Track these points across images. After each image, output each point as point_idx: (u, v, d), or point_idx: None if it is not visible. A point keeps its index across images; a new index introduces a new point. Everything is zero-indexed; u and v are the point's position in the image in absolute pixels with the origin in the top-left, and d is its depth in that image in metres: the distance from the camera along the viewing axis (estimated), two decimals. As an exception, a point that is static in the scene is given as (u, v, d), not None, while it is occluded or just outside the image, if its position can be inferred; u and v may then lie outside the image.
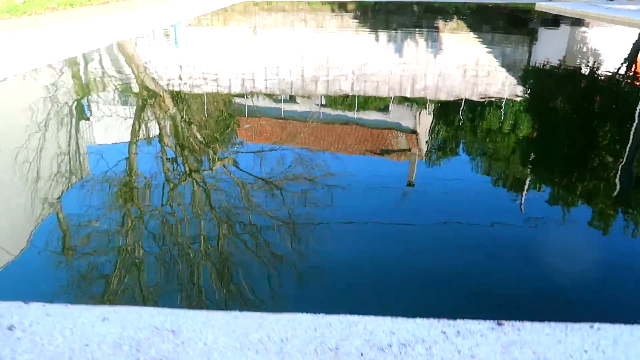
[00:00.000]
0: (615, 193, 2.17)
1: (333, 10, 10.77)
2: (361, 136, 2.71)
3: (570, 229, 1.84)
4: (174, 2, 9.76)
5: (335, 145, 2.57)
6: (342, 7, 11.20)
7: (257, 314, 1.20)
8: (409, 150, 2.57)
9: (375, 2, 11.83)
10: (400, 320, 1.18)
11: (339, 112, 3.16)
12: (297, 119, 2.99)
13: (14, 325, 1.11)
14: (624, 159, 2.43)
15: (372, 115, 3.10)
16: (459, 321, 1.18)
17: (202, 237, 1.73)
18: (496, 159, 2.48)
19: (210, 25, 7.86)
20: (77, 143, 2.61)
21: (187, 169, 2.31)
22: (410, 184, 2.11)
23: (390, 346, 1.10)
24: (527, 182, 2.21)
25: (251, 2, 11.94)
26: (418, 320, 1.18)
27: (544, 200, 2.03)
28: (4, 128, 2.97)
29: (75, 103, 3.40)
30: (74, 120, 3.01)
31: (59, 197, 2.03)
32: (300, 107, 3.25)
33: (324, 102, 3.36)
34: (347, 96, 3.49)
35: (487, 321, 1.18)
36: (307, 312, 1.20)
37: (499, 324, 1.17)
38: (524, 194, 2.06)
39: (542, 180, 2.26)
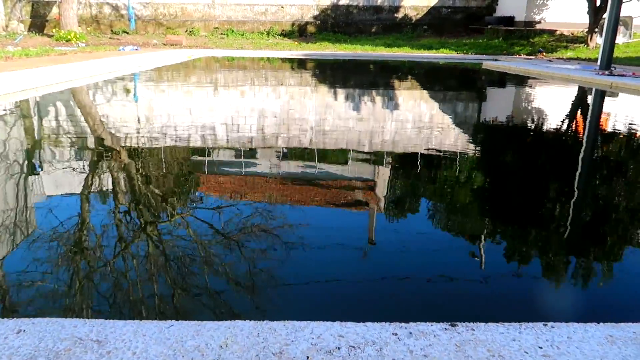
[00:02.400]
0: (565, 238, 2.21)
1: (292, 68, 11.09)
2: (320, 189, 2.69)
3: (527, 280, 1.81)
4: (135, 55, 9.80)
5: (294, 198, 2.53)
6: (302, 65, 11.55)
7: (193, 322, 1.10)
8: (368, 203, 2.56)
9: (334, 61, 12.28)
10: (350, 324, 1.11)
11: (300, 166, 3.14)
12: (257, 174, 2.95)
13: None
14: (571, 208, 2.50)
15: (331, 169, 3.11)
16: (411, 324, 1.12)
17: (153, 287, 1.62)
18: (452, 211, 2.50)
19: (170, 80, 7.89)
20: (25, 196, 2.45)
21: (142, 223, 2.18)
22: (370, 240, 2.05)
23: (339, 348, 1.02)
24: (484, 233, 2.20)
25: (212, 58, 12.16)
26: (368, 323, 1.12)
27: (500, 251, 2.01)
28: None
29: (25, 153, 3.25)
30: (23, 171, 2.85)
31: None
32: (260, 161, 3.22)
33: (284, 156, 3.35)
34: (306, 150, 3.50)
35: (440, 323, 1.12)
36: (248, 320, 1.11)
37: (453, 325, 1.11)
38: (481, 245, 2.04)
39: (497, 231, 2.26)
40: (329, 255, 1.79)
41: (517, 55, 12.71)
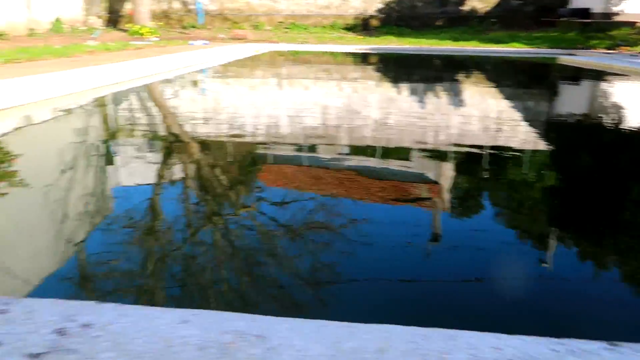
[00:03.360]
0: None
1: (356, 62, 11.04)
2: (383, 185, 2.66)
3: (603, 282, 1.72)
4: (207, 50, 10.08)
5: (358, 193, 2.52)
6: (366, 59, 11.48)
7: (346, 323, 1.11)
8: (432, 200, 2.51)
9: (398, 55, 12.12)
10: (502, 336, 1.08)
11: (362, 161, 3.12)
12: (320, 166, 2.96)
13: (90, 324, 1.03)
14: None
15: (394, 165, 3.07)
16: (565, 339, 1.08)
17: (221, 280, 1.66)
18: (519, 211, 2.41)
19: (236, 74, 8.07)
20: (102, 184, 2.59)
21: (209, 212, 2.25)
22: (435, 237, 2.01)
23: (501, 361, 0.99)
24: (553, 236, 2.10)
25: (276, 52, 12.32)
26: (522, 337, 1.08)
27: (571, 255, 1.92)
28: (37, 164, 2.98)
29: (103, 144, 3.42)
30: (100, 161, 3.01)
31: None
32: (323, 154, 3.23)
33: (346, 150, 3.34)
34: (369, 146, 3.47)
35: (599, 341, 1.08)
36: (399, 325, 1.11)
37: (613, 344, 1.06)
38: (550, 249, 1.96)
39: (568, 234, 2.15)
40: (396, 254, 1.77)
41: (594, 50, 12.03)
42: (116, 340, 0.99)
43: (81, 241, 1.85)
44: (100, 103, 4.80)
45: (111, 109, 4.62)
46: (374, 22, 16.90)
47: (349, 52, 12.45)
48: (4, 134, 3.41)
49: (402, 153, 3.36)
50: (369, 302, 1.49)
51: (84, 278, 1.58)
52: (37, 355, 0.92)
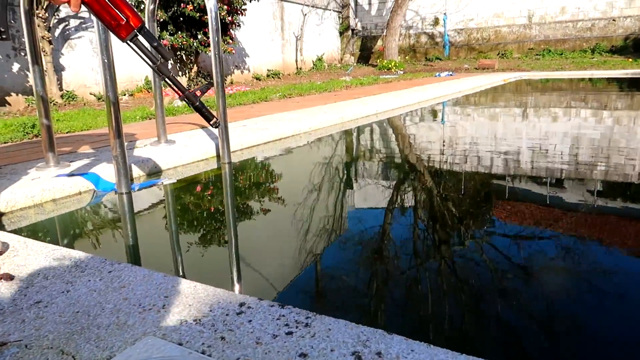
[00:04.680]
0: None
1: (621, 88, 9.57)
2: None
3: None
4: (453, 81, 10.17)
5: (609, 239, 2.10)
6: (636, 85, 9.84)
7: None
8: None
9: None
10: None
11: (620, 202, 2.61)
12: (564, 207, 2.59)
13: (381, 352, 1.05)
14: None
15: None
16: None
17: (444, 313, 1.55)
18: None
19: (477, 103, 7.86)
20: (346, 207, 2.78)
21: (437, 241, 2.19)
22: None
23: None
24: None
25: (524, 81, 11.58)
26: None
27: None
28: (289, 182, 3.40)
29: (345, 167, 3.72)
30: (341, 183, 3.26)
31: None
32: (568, 194, 2.82)
33: (599, 189, 2.85)
34: (632, 186, 2.88)
35: None
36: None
37: None
38: None
39: None
40: None
41: None
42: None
43: (318, 254, 2.05)
44: (349, 133, 5.29)
45: (354, 138, 5.04)
46: (651, 42, 14.41)
47: (614, 78, 10.87)
48: (275, 156, 4.05)
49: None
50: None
51: (318, 291, 1.74)
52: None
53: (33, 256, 1.65)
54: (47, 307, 1.28)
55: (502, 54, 16.60)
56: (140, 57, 1.66)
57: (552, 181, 3.15)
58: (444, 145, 4.44)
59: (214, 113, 2.61)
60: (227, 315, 1.20)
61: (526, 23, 16.44)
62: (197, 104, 1.88)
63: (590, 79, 11.11)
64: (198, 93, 1.86)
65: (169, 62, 1.81)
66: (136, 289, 1.37)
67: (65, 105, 7.82)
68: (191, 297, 1.30)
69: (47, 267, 1.55)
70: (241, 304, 1.25)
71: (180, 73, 10.60)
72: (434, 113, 6.97)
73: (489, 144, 4.38)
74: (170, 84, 1.79)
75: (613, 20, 15.21)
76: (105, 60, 2.52)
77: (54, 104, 7.65)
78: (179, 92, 1.84)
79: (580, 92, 8.90)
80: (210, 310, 1.23)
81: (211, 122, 1.99)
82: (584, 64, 13.38)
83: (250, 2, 10.55)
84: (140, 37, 1.61)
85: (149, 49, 1.67)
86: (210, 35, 3.27)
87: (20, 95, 7.70)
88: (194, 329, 1.15)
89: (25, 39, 2.79)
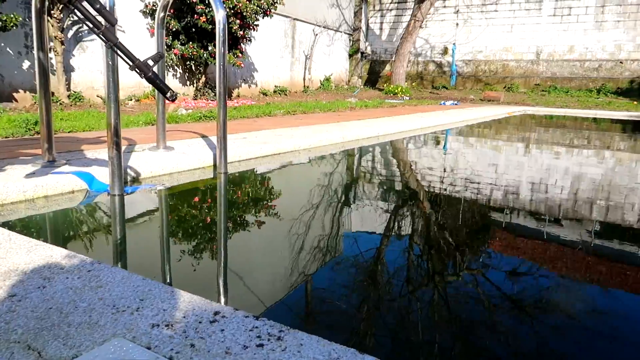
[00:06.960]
0: None
1: (625, 130, 9.62)
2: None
3: None
4: (458, 110, 10.23)
5: (606, 280, 2.08)
6: (638, 127, 9.89)
7: None
8: None
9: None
10: None
11: (616, 243, 2.59)
12: (561, 244, 2.57)
13: None
14: None
15: None
16: None
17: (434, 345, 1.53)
18: None
19: (480, 135, 7.89)
20: (337, 226, 2.77)
21: (431, 269, 2.17)
22: None
23: None
24: None
25: (529, 115, 11.65)
26: None
27: None
28: (287, 200, 3.39)
29: (341, 189, 3.71)
30: (337, 204, 3.25)
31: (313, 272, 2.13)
32: (565, 231, 2.81)
33: (597, 229, 2.84)
34: (630, 226, 2.87)
35: None
36: None
37: None
38: None
39: None
40: None
41: None
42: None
43: (301, 269, 2.03)
44: (348, 153, 5.30)
45: (353, 159, 5.05)
46: (656, 87, 14.52)
47: (618, 119, 10.93)
48: (272, 170, 4.06)
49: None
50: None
51: (307, 311, 1.72)
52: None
53: (15, 250, 1.64)
54: (20, 302, 1.27)
55: (509, 88, 16.74)
56: (84, 23, 1.65)
57: (549, 217, 3.13)
58: (443, 173, 4.44)
59: (214, 124, 2.62)
60: (200, 322, 1.19)
61: (534, 59, 16.62)
62: (150, 74, 1.84)
63: (594, 119, 11.18)
64: (150, 62, 1.83)
65: (114, 27, 1.77)
66: (113, 290, 1.35)
67: (71, 105, 7.87)
68: (167, 302, 1.29)
69: (27, 261, 1.54)
70: (216, 313, 1.23)
71: (188, 83, 10.69)
72: (436, 140, 7.00)
73: (487, 176, 4.38)
74: (117, 51, 1.76)
75: (620, 62, 15.37)
76: (110, 63, 2.54)
77: (60, 104, 7.70)
78: (129, 61, 1.80)
79: (584, 131, 8.94)
80: (184, 317, 1.21)
81: (167, 95, 1.95)
82: (589, 103, 13.46)
83: (263, 18, 10.69)
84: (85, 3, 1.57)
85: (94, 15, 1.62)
86: (217, 46, 3.30)
87: (27, 92, 7.76)
88: (165, 334, 1.13)
89: (34, 33, 2.83)
